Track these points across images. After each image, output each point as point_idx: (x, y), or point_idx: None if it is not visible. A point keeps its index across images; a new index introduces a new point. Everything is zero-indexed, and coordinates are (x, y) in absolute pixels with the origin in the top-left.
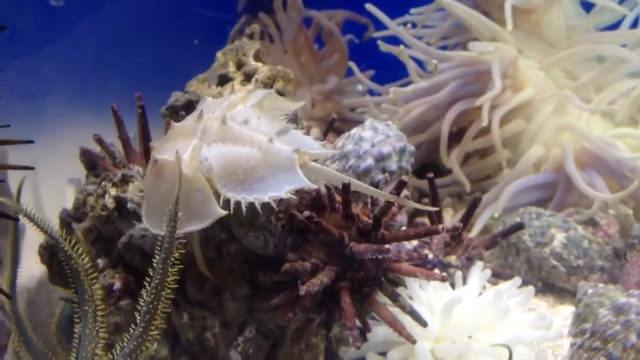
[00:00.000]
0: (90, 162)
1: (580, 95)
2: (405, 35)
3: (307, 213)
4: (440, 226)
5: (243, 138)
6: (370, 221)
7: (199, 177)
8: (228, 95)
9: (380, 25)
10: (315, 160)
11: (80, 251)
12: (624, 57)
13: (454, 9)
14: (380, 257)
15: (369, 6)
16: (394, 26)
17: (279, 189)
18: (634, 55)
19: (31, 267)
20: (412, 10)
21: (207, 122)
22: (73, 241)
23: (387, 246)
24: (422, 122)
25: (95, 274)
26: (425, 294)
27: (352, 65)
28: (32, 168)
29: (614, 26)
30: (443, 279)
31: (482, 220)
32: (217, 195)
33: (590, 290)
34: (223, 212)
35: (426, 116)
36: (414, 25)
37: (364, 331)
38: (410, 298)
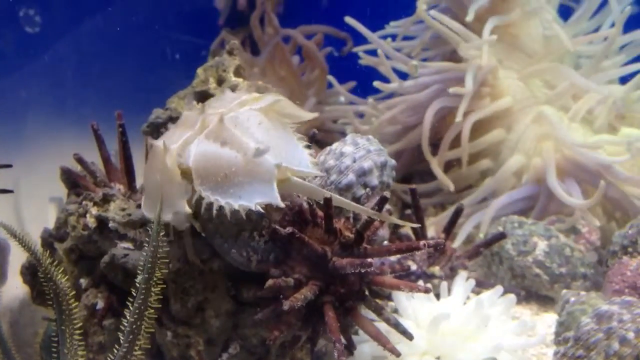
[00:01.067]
0: (71, 182)
1: (558, 104)
2: (386, 47)
3: (289, 229)
4: (421, 242)
5: (233, 141)
6: (352, 236)
7: (175, 169)
8: (244, 92)
9: (360, 39)
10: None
11: (59, 271)
12: (582, 86)
13: (433, 21)
14: (363, 271)
15: (348, 19)
16: (374, 38)
17: (249, 200)
18: (590, 83)
19: (14, 288)
20: (392, 23)
21: (208, 117)
22: (54, 262)
23: (369, 260)
24: (403, 128)
25: (73, 293)
26: (411, 306)
27: (332, 79)
28: (10, 191)
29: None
30: (427, 291)
31: (465, 232)
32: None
33: (572, 299)
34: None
35: (407, 122)
36: (393, 38)
37: (349, 346)
38: (396, 311)
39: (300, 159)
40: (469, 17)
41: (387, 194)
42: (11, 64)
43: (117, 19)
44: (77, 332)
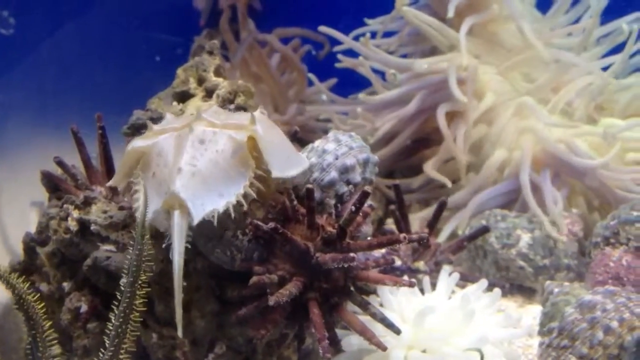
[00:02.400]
0: (52, 185)
1: (537, 97)
2: (363, 48)
3: (272, 224)
4: (402, 235)
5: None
6: (335, 231)
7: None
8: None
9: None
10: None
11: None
12: (572, 62)
13: (412, 17)
14: (346, 265)
15: (322, 28)
16: (351, 42)
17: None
18: (578, 59)
19: None
20: (370, 21)
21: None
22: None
23: (352, 254)
24: (390, 133)
25: (50, 323)
26: (396, 300)
27: (313, 77)
28: None
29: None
30: (411, 285)
31: (450, 227)
32: None
33: (556, 289)
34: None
35: (395, 127)
36: (373, 35)
37: (335, 342)
38: (382, 305)
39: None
40: (450, 14)
41: (368, 188)
42: None
43: (97, 21)
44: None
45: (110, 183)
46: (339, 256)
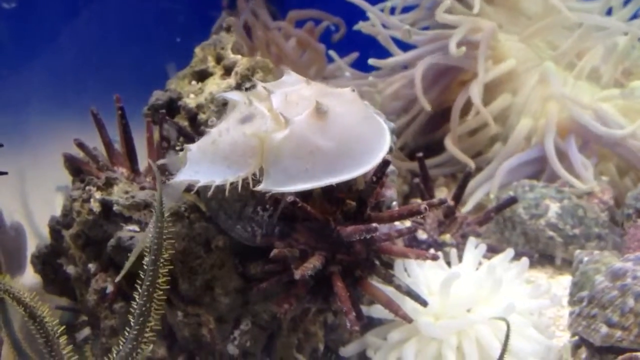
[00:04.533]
0: (75, 168)
1: (563, 63)
2: (384, 17)
3: (290, 198)
4: (422, 206)
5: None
6: (354, 203)
7: None
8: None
9: (357, 16)
10: None
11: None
12: (599, 24)
13: None
14: (368, 237)
15: None
16: (370, 8)
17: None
18: (608, 20)
19: (25, 277)
20: None
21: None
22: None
23: (374, 225)
24: (407, 102)
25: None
26: (423, 273)
27: (333, 54)
28: (5, 173)
29: None
30: (434, 258)
31: (475, 198)
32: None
33: (586, 258)
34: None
35: (409, 96)
36: (392, 11)
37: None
38: (409, 277)
39: None
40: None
41: (387, 157)
42: (9, 54)
43: (115, 3)
44: None
45: None
46: (360, 227)
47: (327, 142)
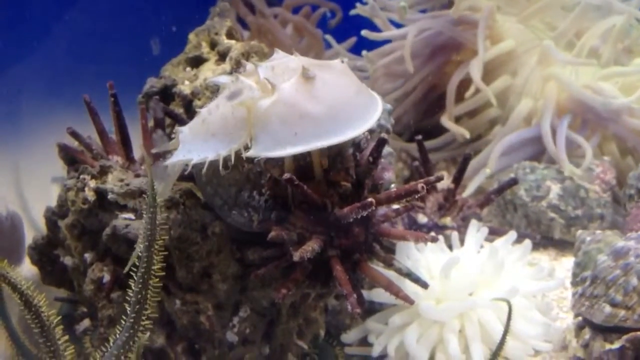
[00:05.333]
0: (69, 157)
1: (561, 43)
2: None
3: (287, 175)
4: (420, 185)
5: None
6: (349, 184)
7: None
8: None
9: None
10: None
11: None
12: (597, 2)
13: None
14: (364, 213)
15: None
16: None
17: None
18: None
19: (23, 269)
20: None
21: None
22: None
23: (369, 200)
24: (402, 82)
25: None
26: (424, 257)
27: (330, 39)
28: None
29: None
30: (433, 240)
31: (476, 182)
32: None
33: (588, 238)
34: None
35: (403, 72)
36: None
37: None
38: (408, 261)
39: None
40: None
41: (384, 136)
42: (2, 45)
43: None
44: None
45: None
46: (356, 205)
47: (315, 105)
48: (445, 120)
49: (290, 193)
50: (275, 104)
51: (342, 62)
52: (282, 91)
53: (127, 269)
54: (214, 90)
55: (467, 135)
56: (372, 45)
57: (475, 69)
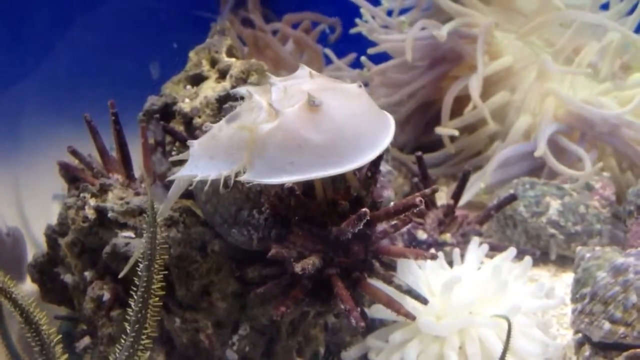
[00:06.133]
0: (70, 176)
1: (560, 60)
2: (379, 13)
3: (288, 186)
4: (417, 198)
5: None
6: (346, 203)
7: None
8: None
9: (352, 16)
10: None
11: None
12: (592, 21)
13: None
14: (361, 225)
15: None
16: (370, 7)
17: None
18: (600, 18)
19: (25, 286)
20: (385, 1)
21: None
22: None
23: (363, 210)
24: (397, 88)
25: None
26: (424, 274)
27: (330, 53)
28: None
29: None
30: (433, 257)
31: (471, 192)
32: None
33: (587, 255)
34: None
35: (399, 80)
36: (389, 14)
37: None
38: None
39: None
40: None
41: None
42: (5, 62)
43: (112, 8)
44: None
45: None
46: (352, 218)
47: (316, 135)
48: (440, 129)
49: (291, 204)
50: (275, 130)
51: (360, 86)
52: (283, 117)
53: (122, 274)
54: (215, 108)
55: (456, 133)
56: (373, 61)
57: (474, 84)
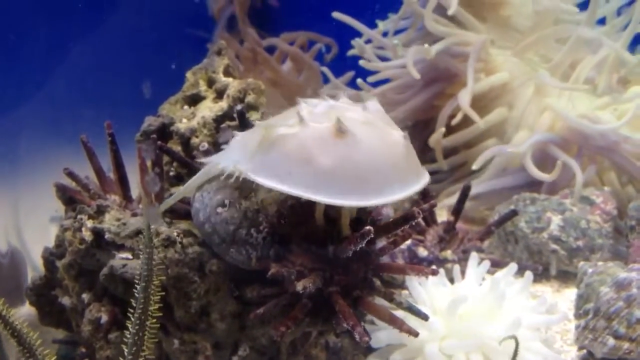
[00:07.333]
0: (67, 197)
1: (557, 75)
2: (376, 35)
3: (290, 202)
4: (415, 211)
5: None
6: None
7: None
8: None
9: (350, 36)
10: None
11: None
12: (587, 37)
13: (421, 10)
14: (364, 244)
15: (336, 14)
16: (366, 30)
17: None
18: (596, 34)
19: (25, 309)
20: (381, 23)
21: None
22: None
23: (367, 228)
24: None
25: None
26: (426, 291)
27: (327, 72)
28: None
29: (583, 5)
30: (434, 273)
31: (447, 202)
32: None
33: (590, 270)
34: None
35: (396, 100)
36: (385, 36)
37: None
38: (410, 297)
39: None
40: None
41: None
42: (2, 83)
43: (110, 29)
44: None
45: None
46: (355, 236)
47: (326, 159)
48: (433, 142)
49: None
50: (289, 137)
51: (405, 137)
52: (305, 129)
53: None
54: (212, 128)
55: (445, 167)
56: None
57: (463, 97)
